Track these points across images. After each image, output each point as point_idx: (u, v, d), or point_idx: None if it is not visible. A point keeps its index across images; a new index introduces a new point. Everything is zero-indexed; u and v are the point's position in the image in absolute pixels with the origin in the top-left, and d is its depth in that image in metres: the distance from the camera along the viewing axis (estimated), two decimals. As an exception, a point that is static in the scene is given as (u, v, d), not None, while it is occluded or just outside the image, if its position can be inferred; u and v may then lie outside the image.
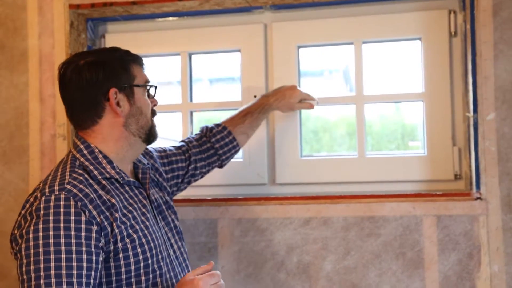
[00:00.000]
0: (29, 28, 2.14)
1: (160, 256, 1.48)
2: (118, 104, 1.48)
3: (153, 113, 1.58)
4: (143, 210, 1.50)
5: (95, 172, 1.44)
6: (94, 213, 1.36)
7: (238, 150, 1.90)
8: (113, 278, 1.40)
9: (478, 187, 1.87)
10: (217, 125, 1.87)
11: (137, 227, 1.44)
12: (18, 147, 2.13)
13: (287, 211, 1.99)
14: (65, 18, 2.12)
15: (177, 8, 2.13)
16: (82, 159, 1.46)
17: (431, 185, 1.99)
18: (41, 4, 2.14)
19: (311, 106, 1.99)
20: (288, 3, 2.07)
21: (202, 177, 1.87)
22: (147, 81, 1.56)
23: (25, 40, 2.14)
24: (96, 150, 1.48)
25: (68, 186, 1.36)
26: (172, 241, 1.58)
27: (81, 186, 1.38)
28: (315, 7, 2.10)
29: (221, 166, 1.90)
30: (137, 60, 1.55)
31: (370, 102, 2.08)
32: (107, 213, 1.39)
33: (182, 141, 1.86)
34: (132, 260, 1.41)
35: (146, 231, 1.46)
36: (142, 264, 1.43)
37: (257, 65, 2.14)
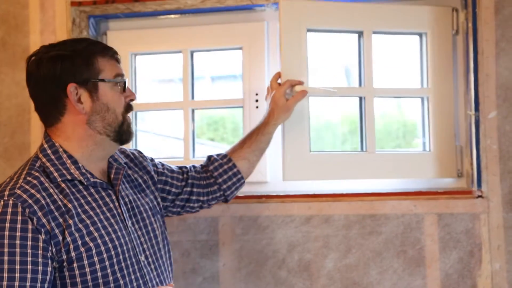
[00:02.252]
0: (31, 25, 2.14)
1: (124, 264, 1.38)
2: (79, 100, 1.39)
3: (128, 108, 1.46)
4: (108, 214, 1.40)
5: (55, 174, 1.36)
6: (44, 220, 1.28)
7: (241, 179, 1.74)
8: None
9: (479, 185, 1.87)
10: (219, 154, 1.78)
11: (96, 234, 1.35)
12: (19, 144, 2.14)
13: (289, 209, 2.00)
14: (67, 15, 2.12)
15: (178, 6, 2.13)
16: (44, 160, 1.39)
17: (437, 182, 1.99)
18: (43, 1, 2.14)
19: (302, 93, 1.80)
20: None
21: (202, 207, 1.73)
22: (118, 75, 1.43)
23: (27, 37, 2.14)
24: (61, 150, 1.40)
25: (19, 191, 1.29)
26: (145, 246, 1.46)
27: (32, 191, 1.31)
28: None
29: (225, 199, 1.75)
30: (105, 52, 1.43)
31: (379, 96, 2.01)
32: (60, 220, 1.31)
33: (193, 165, 1.77)
34: (88, 269, 1.32)
35: (107, 238, 1.36)
36: (99, 274, 1.34)
37: (258, 63, 2.13)
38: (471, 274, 1.87)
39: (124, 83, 1.45)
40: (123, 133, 1.44)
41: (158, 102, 2.32)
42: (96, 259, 1.34)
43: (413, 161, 1.98)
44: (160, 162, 1.71)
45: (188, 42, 2.20)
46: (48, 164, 1.38)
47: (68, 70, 1.37)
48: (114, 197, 1.44)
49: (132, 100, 1.48)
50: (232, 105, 2.29)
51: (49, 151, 1.40)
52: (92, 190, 1.41)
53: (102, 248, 1.35)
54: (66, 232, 1.30)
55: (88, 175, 1.40)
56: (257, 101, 2.13)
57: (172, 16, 2.22)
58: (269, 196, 2.02)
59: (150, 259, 1.46)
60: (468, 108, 1.92)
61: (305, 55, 1.93)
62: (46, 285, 1.27)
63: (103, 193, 1.42)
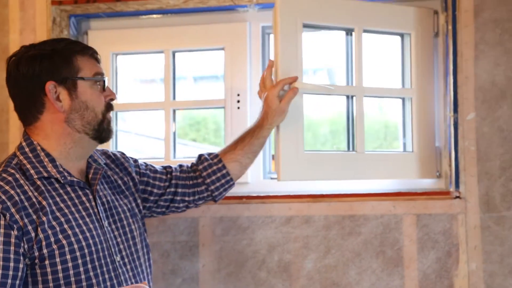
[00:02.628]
0: (11, 24, 2.12)
1: (97, 263, 1.38)
2: (58, 98, 1.40)
3: (109, 108, 1.47)
4: (83, 213, 1.40)
5: (32, 171, 1.37)
6: (17, 216, 1.29)
7: (230, 180, 1.70)
8: (40, 286, 1.32)
9: (457, 186, 1.89)
10: (210, 153, 1.74)
11: (70, 232, 1.35)
12: (-2, 143, 2.12)
13: (269, 210, 2.00)
14: (47, 14, 2.11)
15: (161, 6, 2.12)
16: (21, 157, 1.39)
17: (415, 183, 2.00)
18: (23, 0, 2.12)
19: (293, 91, 1.71)
20: (272, 2, 2.07)
21: (188, 207, 1.72)
22: (98, 74, 1.44)
23: (6, 36, 2.12)
24: (39, 148, 1.41)
25: None
26: (122, 246, 1.46)
27: (7, 187, 1.32)
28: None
29: (214, 199, 1.73)
30: (85, 51, 1.44)
31: (368, 96, 1.98)
32: (34, 216, 1.31)
33: (180, 164, 1.75)
34: (59, 267, 1.32)
35: (81, 236, 1.36)
36: (71, 272, 1.33)
37: (240, 64, 2.14)
38: (448, 274, 1.88)
39: (104, 82, 1.45)
40: (102, 131, 1.45)
41: (139, 102, 2.32)
42: (68, 256, 1.33)
43: (398, 161, 1.97)
44: (144, 163, 1.70)
45: (170, 42, 2.19)
46: (25, 161, 1.38)
47: (47, 69, 1.39)
48: (91, 197, 1.44)
49: (112, 99, 1.48)
50: (213, 106, 2.29)
51: (27, 149, 1.41)
52: (68, 189, 1.41)
53: (75, 246, 1.35)
54: (39, 228, 1.31)
55: (65, 174, 1.41)
56: (238, 101, 2.13)
57: (154, 16, 2.22)
58: (250, 197, 2.02)
59: (126, 260, 1.46)
60: (447, 109, 1.94)
61: (300, 50, 1.86)
62: (17, 281, 1.27)
63: (80, 192, 1.42)
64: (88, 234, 1.38)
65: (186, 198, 1.69)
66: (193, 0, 2.07)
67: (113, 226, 1.46)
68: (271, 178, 2.14)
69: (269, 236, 1.99)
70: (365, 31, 1.95)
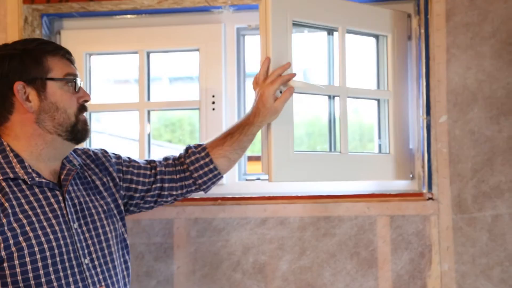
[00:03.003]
0: (-19, 23, 2.09)
1: (60, 266, 1.35)
2: (27, 98, 1.39)
3: (82, 109, 1.45)
4: (50, 215, 1.37)
5: None
6: None
7: (217, 174, 1.67)
8: None
9: (430, 187, 1.91)
10: (198, 146, 1.68)
11: (31, 234, 1.32)
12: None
13: (244, 211, 2.00)
14: (18, 13, 2.07)
15: (135, 6, 2.11)
16: None
17: (388, 184, 2.02)
18: (-7, -2, 2.09)
19: (290, 91, 1.64)
20: (247, 3, 2.07)
21: (176, 199, 1.69)
22: (69, 74, 1.42)
23: (-24, 35, 2.08)
24: (8, 148, 1.40)
25: None
26: (92, 249, 1.43)
27: None
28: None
29: (203, 191, 1.70)
30: (56, 51, 1.42)
31: (352, 97, 1.96)
32: None
33: (165, 157, 1.71)
34: (18, 270, 1.30)
35: (43, 238, 1.33)
36: (31, 275, 1.31)
37: (215, 65, 2.13)
38: (421, 275, 1.91)
39: (75, 82, 1.43)
40: (77, 132, 1.43)
41: (114, 103, 2.29)
42: (27, 259, 1.31)
43: (377, 163, 1.96)
44: (128, 158, 1.66)
45: (144, 42, 2.18)
46: None
47: (16, 69, 1.38)
48: (60, 198, 1.41)
49: (86, 101, 1.46)
50: (188, 107, 2.29)
51: None
52: (36, 190, 1.39)
53: (36, 248, 1.32)
54: None
55: (34, 175, 1.39)
56: (213, 103, 2.13)
57: (128, 16, 2.20)
58: (225, 198, 2.02)
59: (96, 262, 1.43)
60: (420, 112, 1.96)
61: (291, 49, 1.79)
62: None
63: (49, 194, 1.40)
64: (51, 237, 1.35)
65: (174, 192, 1.66)
66: (168, 0, 2.06)
67: (84, 228, 1.44)
68: (246, 180, 2.14)
69: (244, 237, 1.99)
70: (348, 31, 1.93)
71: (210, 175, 1.66)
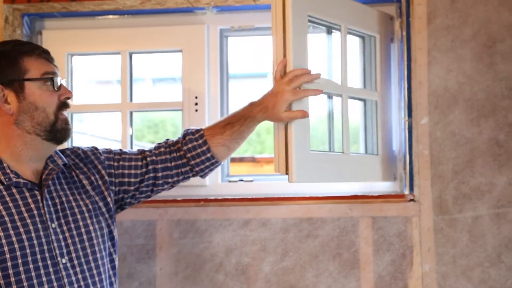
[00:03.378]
0: (-39, 22, 2.06)
1: (33, 265, 1.35)
2: (6, 101, 1.39)
3: (62, 106, 1.44)
4: (25, 214, 1.38)
5: None
6: None
7: (215, 162, 1.62)
8: None
9: (411, 189, 1.93)
10: (196, 131, 1.62)
11: (2, 233, 1.33)
12: None
13: (227, 213, 2.00)
14: (-1, 12, 2.05)
15: (117, 6, 2.09)
16: None
17: (370, 186, 2.02)
18: (-27, -2, 2.06)
19: (303, 115, 1.55)
20: (230, 5, 2.07)
21: (173, 186, 1.65)
22: (47, 73, 1.42)
23: (-45, 35, 2.06)
24: None
25: None
26: (71, 248, 1.42)
27: None
28: (257, 9, 2.11)
29: (201, 177, 1.66)
30: (33, 51, 1.42)
31: (354, 97, 1.93)
32: None
33: (157, 145, 1.66)
34: None
35: (14, 238, 1.34)
36: (0, 274, 1.32)
37: (198, 66, 2.13)
38: (403, 276, 1.92)
39: (53, 80, 1.42)
40: (56, 131, 1.43)
41: (96, 104, 2.28)
42: None
43: (368, 164, 1.93)
44: (120, 151, 1.63)
45: (127, 43, 2.17)
46: None
47: None
48: (39, 198, 1.41)
49: (68, 98, 1.45)
50: (171, 108, 2.28)
51: None
52: (14, 191, 1.39)
53: (6, 248, 1.33)
54: None
55: (12, 175, 1.39)
56: (196, 104, 2.12)
57: (111, 16, 2.19)
58: (208, 200, 2.01)
59: (75, 262, 1.42)
60: (402, 114, 1.98)
61: (307, 47, 1.68)
62: None
63: (27, 194, 1.40)
64: (24, 236, 1.35)
65: (169, 180, 1.62)
66: (150, 1, 2.05)
67: (65, 227, 1.43)
68: (229, 181, 2.14)
69: (226, 239, 1.99)
70: (349, 30, 1.88)
71: (208, 163, 1.62)
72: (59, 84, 1.43)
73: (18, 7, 2.08)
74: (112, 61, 2.26)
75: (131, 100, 2.18)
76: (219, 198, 2.03)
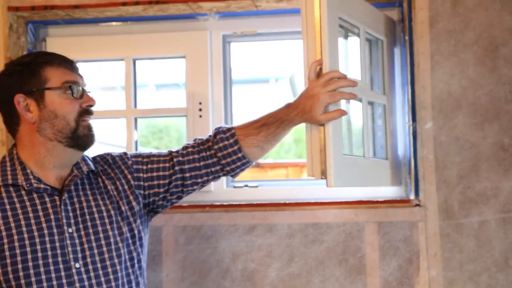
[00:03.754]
0: (-35, 31, 2.06)
1: (44, 268, 1.39)
2: (28, 110, 1.45)
3: (84, 113, 1.48)
4: (42, 219, 1.43)
5: None
6: None
7: (246, 163, 1.59)
8: None
9: (417, 194, 1.92)
10: (227, 130, 1.59)
11: (16, 237, 1.39)
12: None
13: (232, 218, 2.00)
14: (3, 20, 2.06)
15: (120, 13, 2.10)
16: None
17: (375, 191, 2.02)
18: (-23, 6, 2.07)
19: (341, 113, 1.51)
20: (232, 11, 2.08)
21: (203, 185, 1.62)
22: (67, 82, 1.46)
23: (-40, 43, 2.06)
24: (16, 157, 1.48)
25: None
26: (87, 253, 1.45)
27: None
28: (259, 15, 2.12)
29: (232, 177, 1.64)
30: (53, 61, 1.47)
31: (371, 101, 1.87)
32: None
33: (186, 145, 1.64)
34: (0, 270, 1.38)
35: (28, 241, 1.39)
36: (11, 276, 1.38)
37: (202, 72, 2.13)
38: (409, 281, 1.92)
39: (71, 88, 1.46)
40: (78, 138, 1.47)
41: (100, 110, 2.28)
42: (8, 261, 1.38)
43: (381, 168, 1.90)
44: (148, 154, 1.64)
45: (130, 50, 2.17)
46: None
47: (15, 82, 1.46)
48: (58, 203, 1.46)
49: (90, 105, 1.50)
50: (175, 114, 2.28)
51: (6, 159, 1.49)
52: (34, 196, 1.45)
53: (18, 251, 1.38)
54: None
55: (33, 181, 1.45)
56: (200, 110, 2.13)
57: (114, 23, 2.19)
58: (213, 206, 2.02)
59: (90, 267, 1.44)
60: (406, 118, 1.98)
61: (338, 48, 1.63)
62: None
63: (47, 199, 1.45)
64: (37, 240, 1.40)
65: (199, 180, 1.60)
66: (153, 8, 2.06)
67: (82, 232, 1.46)
68: (234, 187, 2.14)
69: (232, 245, 1.99)
70: (367, 33, 1.85)
71: (239, 163, 1.59)
72: (80, 92, 1.47)
73: (22, 14, 2.09)
74: (116, 68, 2.26)
75: (135, 106, 2.18)
76: (225, 203, 2.03)
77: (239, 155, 1.57)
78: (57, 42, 2.18)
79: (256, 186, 2.13)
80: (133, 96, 2.17)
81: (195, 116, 2.13)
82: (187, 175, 1.59)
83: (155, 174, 1.60)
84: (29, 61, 1.48)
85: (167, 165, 1.60)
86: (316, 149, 1.55)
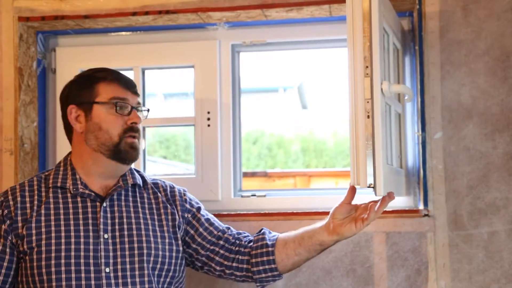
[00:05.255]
0: (-24, 40, 2.08)
1: (74, 268, 1.48)
2: (78, 120, 1.57)
3: (129, 130, 1.56)
4: (81, 222, 1.52)
5: (51, 181, 1.57)
6: (12, 208, 1.52)
7: (277, 276, 1.65)
8: (23, 278, 1.50)
9: (426, 204, 1.91)
10: (270, 244, 1.64)
11: (54, 234, 1.49)
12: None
13: (240, 228, 1.98)
14: (14, 30, 2.07)
15: (130, 23, 2.11)
16: (53, 169, 1.60)
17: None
18: (-12, 16, 2.09)
19: (377, 212, 1.54)
20: (242, 20, 2.08)
21: (221, 276, 1.68)
22: (115, 98, 1.56)
23: (-29, 52, 2.08)
24: (69, 163, 1.60)
25: (10, 187, 1.58)
26: (119, 260, 1.52)
27: (18, 188, 1.56)
28: (269, 24, 2.12)
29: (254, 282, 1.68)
30: (106, 77, 1.58)
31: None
32: (27, 210, 1.52)
33: (243, 237, 1.71)
34: (35, 264, 1.48)
35: (63, 240, 1.49)
36: (44, 270, 1.47)
37: (210, 81, 2.14)
38: (418, 292, 1.90)
39: (116, 104, 1.55)
40: (119, 152, 1.55)
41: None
42: (43, 256, 1.47)
43: (401, 177, 1.89)
44: (208, 216, 1.72)
45: (139, 59, 2.18)
46: (52, 173, 1.59)
47: (72, 94, 1.59)
48: (98, 209, 1.55)
49: (135, 123, 1.57)
50: (183, 123, 2.28)
51: (61, 164, 1.62)
52: (78, 199, 1.55)
53: (53, 247, 1.48)
54: (25, 226, 1.49)
55: (80, 186, 1.55)
56: (208, 119, 2.13)
57: (124, 33, 2.21)
58: (220, 215, 2.00)
59: (119, 273, 1.51)
60: (416, 128, 1.97)
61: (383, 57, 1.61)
62: (4, 271, 1.50)
63: (89, 204, 1.55)
64: (73, 240, 1.49)
65: (225, 263, 1.66)
66: (163, 18, 2.07)
67: (117, 240, 1.53)
68: (242, 196, 2.14)
69: (239, 255, 1.97)
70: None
71: (271, 279, 1.65)
72: (127, 109, 1.56)
73: (33, 24, 2.11)
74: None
75: (143, 115, 2.18)
76: (232, 213, 2.02)
77: (275, 273, 1.63)
78: (66, 52, 2.20)
79: (264, 196, 2.13)
80: (142, 105, 2.17)
81: (203, 125, 2.13)
82: (221, 252, 1.67)
83: (200, 228, 1.68)
84: (88, 75, 1.60)
85: (215, 232, 1.68)
86: (362, 157, 1.53)
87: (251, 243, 1.67)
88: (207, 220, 1.70)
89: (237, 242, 1.68)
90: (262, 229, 1.71)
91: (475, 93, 1.91)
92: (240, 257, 1.65)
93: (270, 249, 1.63)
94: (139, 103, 1.62)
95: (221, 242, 1.67)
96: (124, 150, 1.55)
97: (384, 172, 1.53)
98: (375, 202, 1.55)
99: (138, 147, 1.59)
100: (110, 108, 1.55)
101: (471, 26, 1.92)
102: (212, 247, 1.66)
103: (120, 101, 1.56)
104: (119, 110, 1.56)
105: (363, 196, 1.95)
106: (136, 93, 1.62)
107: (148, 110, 1.67)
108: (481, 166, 1.89)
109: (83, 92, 1.57)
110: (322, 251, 1.62)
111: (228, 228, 1.71)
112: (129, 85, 1.61)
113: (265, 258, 1.63)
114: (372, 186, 1.51)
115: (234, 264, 1.65)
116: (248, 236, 1.71)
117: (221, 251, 1.66)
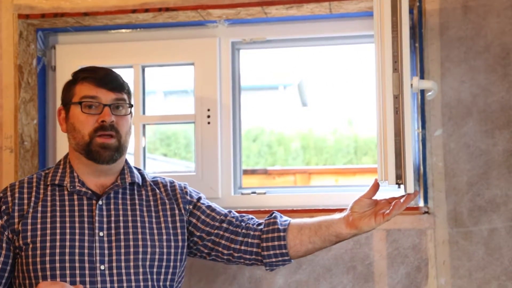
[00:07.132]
0: (-24, 38, 2.08)
1: (69, 264, 1.48)
2: (63, 121, 1.61)
3: (99, 129, 1.53)
4: (76, 219, 1.53)
5: (49, 178, 1.58)
6: (10, 204, 1.53)
7: (288, 260, 1.62)
8: (19, 274, 1.51)
9: (426, 201, 1.91)
10: (282, 229, 1.61)
11: (49, 231, 1.50)
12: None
13: (240, 226, 1.99)
14: (13, 28, 2.07)
15: (130, 21, 2.11)
16: (53, 167, 1.62)
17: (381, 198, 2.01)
18: (-12, 13, 2.08)
19: (399, 208, 1.51)
20: (242, 18, 2.08)
21: (230, 260, 1.65)
22: (85, 97, 1.54)
23: (-29, 50, 2.08)
24: (68, 161, 1.61)
25: (10, 184, 1.59)
26: (114, 258, 1.51)
27: (17, 184, 1.57)
28: (269, 22, 2.12)
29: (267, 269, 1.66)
30: (85, 77, 1.57)
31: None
32: (24, 206, 1.53)
33: (246, 220, 1.67)
34: (30, 260, 1.49)
35: (58, 237, 1.49)
36: (39, 267, 1.48)
37: (210, 79, 2.14)
38: (418, 289, 1.90)
39: (81, 104, 1.53)
40: (91, 152, 1.54)
41: (108, 117, 2.29)
42: (38, 252, 1.48)
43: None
44: (209, 203, 1.69)
45: (139, 57, 2.18)
46: (52, 170, 1.60)
47: (62, 94, 1.62)
48: (94, 207, 1.54)
49: (103, 121, 1.53)
50: (183, 121, 2.28)
51: (61, 162, 1.62)
52: (75, 197, 1.55)
53: (48, 244, 1.48)
54: (21, 221, 1.50)
55: (77, 184, 1.56)
56: (209, 116, 2.13)
57: (123, 30, 2.20)
58: (220, 213, 2.01)
59: (114, 271, 1.50)
60: (415, 125, 1.97)
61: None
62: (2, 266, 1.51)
63: (85, 202, 1.55)
64: (68, 237, 1.49)
65: (232, 246, 1.62)
66: (162, 15, 2.06)
67: (113, 237, 1.53)
68: (242, 194, 2.14)
69: (240, 252, 1.98)
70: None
71: (281, 263, 1.63)
72: (98, 108, 1.53)
73: (32, 22, 2.11)
74: (125, 75, 2.27)
75: (143, 113, 2.19)
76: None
77: (286, 257, 1.61)
78: (66, 49, 2.19)
79: (264, 193, 2.13)
80: (141, 103, 2.18)
81: (203, 122, 2.13)
82: (226, 235, 1.64)
83: (202, 216, 1.66)
84: (73, 75, 1.61)
85: (218, 217, 1.66)
86: (391, 153, 1.52)
87: (261, 226, 1.63)
88: (208, 207, 1.67)
89: (242, 224, 1.65)
90: (273, 212, 1.68)
91: (475, 90, 1.91)
92: (249, 240, 1.62)
93: (282, 234, 1.59)
94: (118, 100, 1.55)
95: (225, 225, 1.64)
96: (94, 150, 1.53)
97: (412, 173, 1.51)
98: (396, 198, 1.54)
99: (113, 146, 1.53)
100: (82, 107, 1.55)
101: (471, 23, 1.92)
102: (216, 231, 1.64)
103: (88, 99, 1.53)
104: (85, 109, 1.53)
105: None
106: (113, 90, 1.55)
107: (131, 106, 1.59)
108: (481, 163, 1.89)
109: (66, 93, 1.60)
110: (336, 243, 1.60)
111: (230, 212, 1.69)
112: (103, 82, 1.55)
113: (276, 243, 1.59)
114: (400, 182, 1.51)
115: (242, 247, 1.62)
116: (253, 218, 1.68)
117: (226, 234, 1.63)
